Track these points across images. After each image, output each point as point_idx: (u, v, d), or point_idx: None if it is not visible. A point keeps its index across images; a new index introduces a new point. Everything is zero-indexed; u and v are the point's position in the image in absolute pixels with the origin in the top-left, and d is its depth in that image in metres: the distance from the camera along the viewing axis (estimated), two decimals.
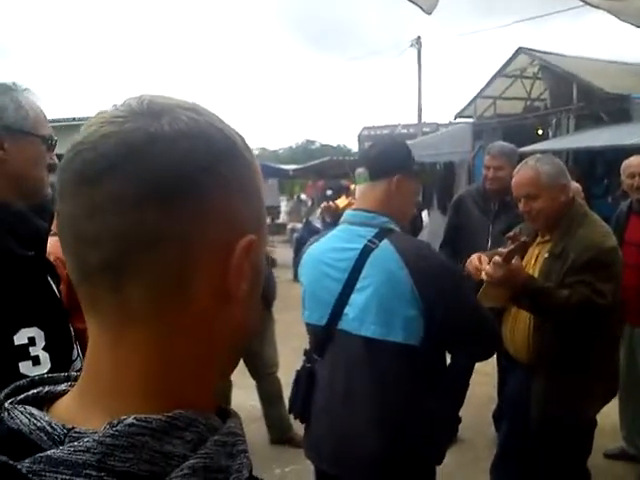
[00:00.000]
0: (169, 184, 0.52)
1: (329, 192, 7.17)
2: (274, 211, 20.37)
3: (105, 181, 0.52)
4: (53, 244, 1.40)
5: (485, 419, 3.78)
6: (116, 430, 0.49)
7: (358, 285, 1.92)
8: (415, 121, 24.86)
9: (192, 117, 0.56)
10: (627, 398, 3.90)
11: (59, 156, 1.61)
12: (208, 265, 0.55)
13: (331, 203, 6.87)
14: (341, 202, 6.22)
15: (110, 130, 0.53)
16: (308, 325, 2.12)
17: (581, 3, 2.80)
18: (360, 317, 1.90)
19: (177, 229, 0.53)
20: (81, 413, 0.54)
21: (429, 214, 12.06)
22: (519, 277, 2.37)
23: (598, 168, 11.13)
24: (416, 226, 8.34)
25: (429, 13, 2.49)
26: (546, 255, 2.54)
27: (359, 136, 42.55)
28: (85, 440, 0.49)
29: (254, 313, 0.63)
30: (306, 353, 2.15)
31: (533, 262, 2.60)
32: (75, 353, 1.52)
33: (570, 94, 11.94)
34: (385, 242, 1.90)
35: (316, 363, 2.07)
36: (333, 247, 2.03)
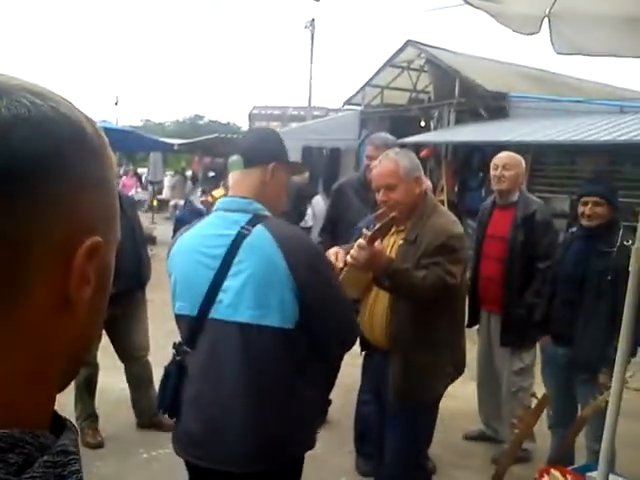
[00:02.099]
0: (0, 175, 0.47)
1: (211, 174, 7.07)
2: (158, 186, 19.74)
3: None
4: None
5: (353, 401, 3.87)
6: None
7: (232, 271, 1.89)
8: (306, 104, 25.01)
9: (35, 101, 0.50)
10: (484, 383, 4.16)
11: None
12: (45, 267, 0.50)
13: (208, 197, 6.95)
14: (217, 193, 6.25)
15: None
16: (179, 317, 2.04)
17: (462, 2, 2.89)
18: (235, 303, 1.88)
19: (6, 226, 0.47)
20: None
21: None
22: (381, 259, 2.51)
23: (475, 162, 11.70)
24: (301, 209, 8.39)
25: (318, 0, 2.46)
26: (401, 242, 2.71)
27: (250, 115, 42.30)
28: None
29: (99, 320, 0.58)
30: (175, 347, 2.08)
31: (389, 250, 2.74)
32: None
33: (452, 89, 12.44)
34: (259, 227, 1.90)
35: (187, 356, 2.01)
36: (206, 234, 1.98)
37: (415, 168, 2.74)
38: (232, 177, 2.06)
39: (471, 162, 11.77)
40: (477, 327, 4.14)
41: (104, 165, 0.55)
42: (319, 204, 8.89)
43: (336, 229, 4.20)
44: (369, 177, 4.06)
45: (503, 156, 3.92)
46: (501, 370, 3.97)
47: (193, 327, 1.98)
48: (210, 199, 7.01)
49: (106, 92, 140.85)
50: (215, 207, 2.07)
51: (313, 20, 23.03)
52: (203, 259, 1.95)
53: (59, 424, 0.55)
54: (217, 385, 1.93)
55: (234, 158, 2.04)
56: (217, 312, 1.92)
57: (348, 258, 2.51)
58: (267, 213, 1.98)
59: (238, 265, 1.88)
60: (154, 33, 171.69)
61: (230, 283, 1.89)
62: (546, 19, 2.66)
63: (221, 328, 1.91)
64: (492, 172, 3.90)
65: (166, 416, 2.14)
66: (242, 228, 1.90)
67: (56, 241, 0.50)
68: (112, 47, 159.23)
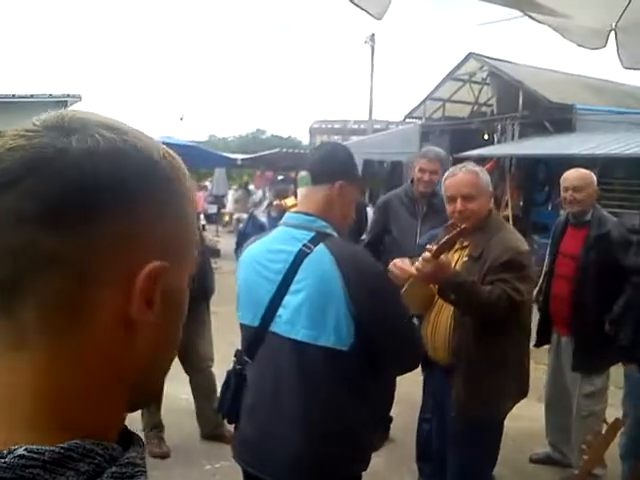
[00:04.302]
0: (67, 205, 0.50)
1: (280, 177, 7.38)
2: (221, 200, 20.14)
3: (3, 196, 0.50)
4: None
5: (415, 419, 3.84)
6: (4, 462, 0.47)
7: (292, 288, 1.91)
8: (366, 117, 25.05)
9: (106, 135, 0.53)
10: (552, 405, 4.02)
11: None
12: (109, 291, 0.53)
13: (282, 201, 7.05)
14: (289, 202, 6.36)
15: (18, 144, 0.51)
16: (241, 325, 2.10)
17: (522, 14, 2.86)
18: (292, 320, 1.90)
19: (72, 252, 0.50)
20: None
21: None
22: (446, 271, 2.50)
23: (539, 176, 11.46)
24: (362, 223, 8.39)
25: (379, 18, 2.49)
26: (465, 258, 2.69)
27: (310, 129, 42.60)
28: None
29: (170, 343, 0.61)
30: (237, 354, 2.13)
31: (453, 266, 2.70)
32: None
33: (516, 101, 12.24)
34: (321, 247, 1.90)
35: (247, 365, 2.06)
36: (269, 248, 2.02)
37: (489, 183, 2.78)
38: (300, 192, 2.11)
39: (536, 176, 11.53)
40: (547, 347, 4.02)
41: (178, 194, 0.58)
42: (368, 214, 8.93)
43: (384, 242, 4.20)
44: (421, 190, 4.06)
45: (572, 177, 3.74)
46: (571, 393, 3.81)
47: (253, 337, 2.02)
48: (283, 204, 7.21)
49: (172, 109, 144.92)
50: (281, 221, 2.11)
51: (373, 35, 23.19)
52: (265, 272, 1.99)
53: (128, 438, 0.59)
54: (272, 398, 1.96)
55: (303, 174, 2.09)
56: (276, 326, 1.95)
57: (413, 270, 2.51)
58: (330, 231, 1.98)
59: (298, 283, 1.90)
60: (217, 51, 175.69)
61: (289, 299, 1.91)
62: (612, 33, 2.61)
63: (279, 342, 1.94)
64: (562, 193, 3.76)
65: (229, 428, 2.19)
66: (304, 246, 1.91)
67: (117, 267, 0.53)
68: (178, 66, 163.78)
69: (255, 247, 2.09)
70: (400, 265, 2.63)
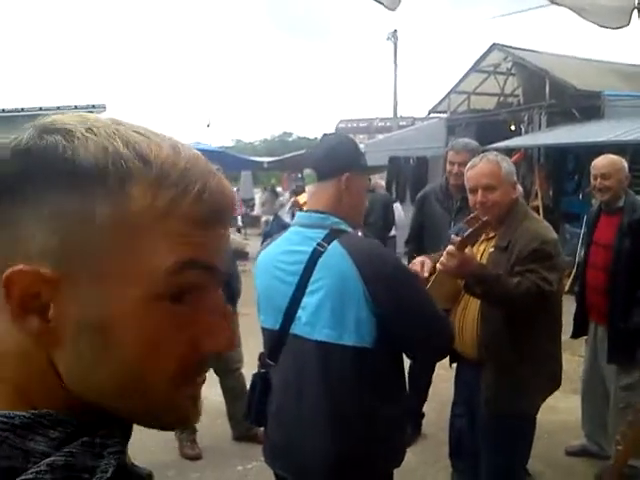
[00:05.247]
0: None
1: (300, 175, 7.60)
2: (248, 203, 20.25)
3: None
4: None
5: (448, 414, 3.79)
6: None
7: (309, 288, 1.88)
8: (392, 115, 24.97)
9: (29, 134, 0.54)
10: (589, 397, 3.93)
11: None
12: None
13: (296, 198, 7.10)
14: (302, 198, 6.34)
15: None
16: (263, 330, 2.08)
17: (547, 2, 2.79)
18: (312, 321, 1.87)
19: None
20: None
21: (402, 208, 12.10)
22: (472, 265, 2.44)
23: (569, 165, 11.25)
24: (389, 219, 8.31)
25: (392, 9, 2.46)
26: (492, 249, 2.63)
27: (336, 128, 42.63)
28: None
29: (112, 359, 0.53)
30: (260, 358, 2.11)
31: (479, 258, 2.65)
32: None
33: (542, 90, 12.04)
34: (335, 244, 1.86)
35: (270, 368, 2.04)
36: (284, 250, 1.99)
37: (513, 172, 2.70)
38: (308, 190, 2.06)
39: (566, 165, 11.32)
40: (584, 338, 3.94)
41: (97, 195, 0.51)
42: (397, 210, 8.86)
43: (421, 237, 4.15)
44: (452, 183, 4.01)
45: (600, 165, 3.67)
46: (608, 384, 3.72)
47: (275, 341, 2.00)
48: (297, 201, 7.29)
49: (199, 116, 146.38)
50: (293, 222, 2.08)
51: (395, 31, 23.07)
52: (281, 275, 1.96)
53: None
54: (297, 400, 1.94)
55: (307, 172, 2.03)
56: (297, 328, 1.92)
57: (438, 265, 2.46)
58: (344, 227, 1.94)
59: (315, 283, 1.87)
60: (241, 57, 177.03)
61: (308, 300, 1.88)
62: (635, 11, 2.54)
63: (301, 344, 1.91)
64: (592, 181, 3.69)
65: (260, 429, 2.18)
66: (318, 245, 1.87)
67: None
68: (203, 73, 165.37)
69: (270, 250, 2.06)
70: (417, 267, 2.55)
